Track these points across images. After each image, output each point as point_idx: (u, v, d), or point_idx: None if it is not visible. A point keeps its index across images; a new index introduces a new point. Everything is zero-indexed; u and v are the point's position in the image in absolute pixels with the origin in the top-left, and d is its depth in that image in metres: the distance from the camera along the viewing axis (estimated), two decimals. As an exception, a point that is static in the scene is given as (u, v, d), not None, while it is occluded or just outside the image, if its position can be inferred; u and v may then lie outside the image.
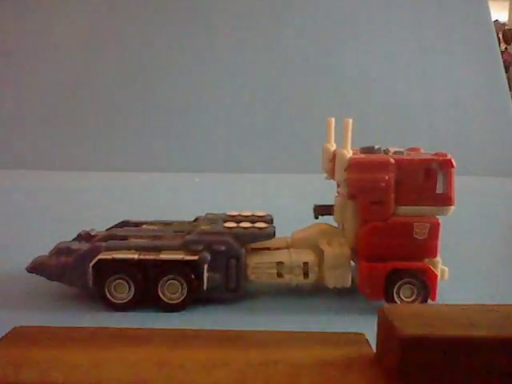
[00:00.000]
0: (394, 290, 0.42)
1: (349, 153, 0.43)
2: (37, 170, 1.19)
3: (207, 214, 0.50)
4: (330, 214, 0.48)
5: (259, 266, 0.44)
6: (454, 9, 1.52)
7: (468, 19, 1.52)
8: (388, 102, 1.38)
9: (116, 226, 0.50)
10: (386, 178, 0.41)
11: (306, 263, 0.44)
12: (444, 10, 1.52)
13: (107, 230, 0.49)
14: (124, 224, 0.50)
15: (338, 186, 0.47)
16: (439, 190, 0.41)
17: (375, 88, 1.40)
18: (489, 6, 1.56)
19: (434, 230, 0.42)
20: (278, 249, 0.46)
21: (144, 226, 0.50)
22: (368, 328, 0.38)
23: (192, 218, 0.51)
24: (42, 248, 0.46)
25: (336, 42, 1.44)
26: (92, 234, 0.48)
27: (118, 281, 0.42)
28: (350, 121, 0.43)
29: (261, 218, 0.48)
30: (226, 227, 0.44)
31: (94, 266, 0.41)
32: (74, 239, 0.48)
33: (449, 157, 0.42)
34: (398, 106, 1.39)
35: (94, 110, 1.37)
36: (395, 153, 0.44)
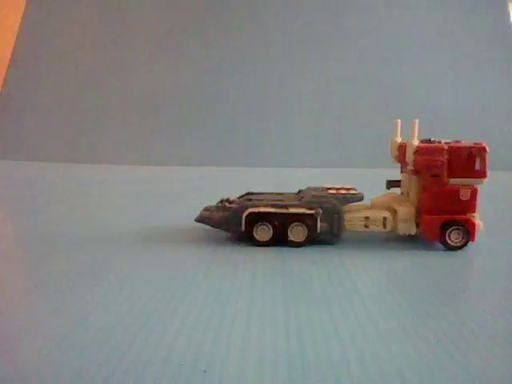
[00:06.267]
0: (447, 235, 0.62)
1: (416, 142, 0.63)
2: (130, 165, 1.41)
3: (308, 187, 0.71)
4: (398, 187, 0.68)
5: (352, 220, 0.64)
6: (478, 14, 1.73)
7: (489, 24, 1.73)
8: (422, 104, 1.61)
9: (243, 195, 0.71)
10: (442, 159, 0.61)
11: (384, 217, 0.64)
12: (469, 16, 1.73)
13: (238, 197, 0.70)
14: (249, 194, 0.71)
15: (404, 166, 0.67)
16: (477, 167, 0.62)
17: (414, 93, 1.61)
18: (509, 10, 1.77)
19: (474, 194, 0.62)
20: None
21: (264, 195, 0.71)
22: (426, 256, 0.59)
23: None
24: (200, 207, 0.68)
25: (390, 54, 1.68)
26: (231, 199, 0.69)
27: (261, 226, 0.63)
28: (417, 121, 0.64)
29: (349, 190, 0.68)
30: (330, 193, 0.65)
31: (246, 216, 0.62)
32: (218, 203, 0.69)
33: (484, 144, 0.62)
34: (429, 106, 1.60)
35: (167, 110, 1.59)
36: (445, 143, 0.64)
